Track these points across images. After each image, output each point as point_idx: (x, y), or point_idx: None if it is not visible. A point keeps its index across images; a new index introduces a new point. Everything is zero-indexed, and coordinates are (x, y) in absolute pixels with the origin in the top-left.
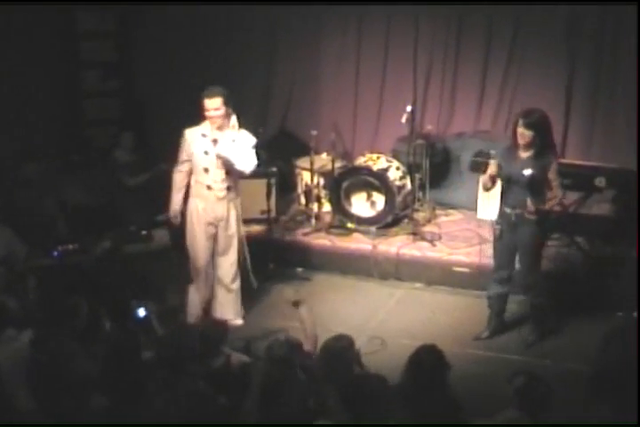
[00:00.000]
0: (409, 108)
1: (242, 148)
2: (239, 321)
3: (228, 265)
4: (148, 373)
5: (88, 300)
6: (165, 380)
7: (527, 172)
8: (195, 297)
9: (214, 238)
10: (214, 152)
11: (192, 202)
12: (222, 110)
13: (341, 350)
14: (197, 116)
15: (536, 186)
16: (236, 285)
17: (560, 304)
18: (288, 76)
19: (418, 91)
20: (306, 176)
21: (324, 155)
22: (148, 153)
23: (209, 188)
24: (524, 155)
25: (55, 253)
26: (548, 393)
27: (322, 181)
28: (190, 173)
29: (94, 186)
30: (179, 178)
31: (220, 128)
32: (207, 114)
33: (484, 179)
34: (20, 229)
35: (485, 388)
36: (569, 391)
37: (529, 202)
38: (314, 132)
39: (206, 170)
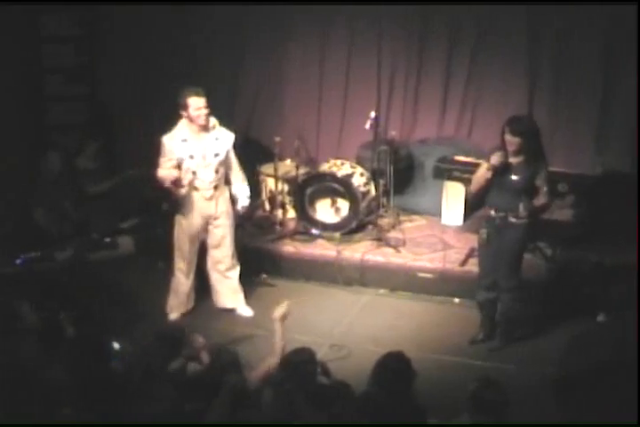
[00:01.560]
0: (373, 115)
1: (228, 151)
2: (244, 311)
3: (222, 257)
4: (115, 379)
5: (50, 308)
6: (136, 387)
7: (516, 177)
8: (178, 288)
9: (206, 232)
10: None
11: (183, 200)
12: (208, 109)
13: (302, 364)
14: (163, 121)
15: (524, 192)
16: (233, 274)
17: (528, 309)
18: (252, 84)
19: (381, 97)
20: (270, 183)
21: (288, 161)
22: (112, 160)
23: (196, 189)
24: (515, 160)
25: (19, 261)
26: (500, 399)
27: (286, 188)
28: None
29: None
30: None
31: (205, 128)
32: (197, 113)
33: (479, 171)
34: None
35: (448, 393)
36: (531, 396)
37: (521, 207)
38: (277, 139)
39: (194, 173)
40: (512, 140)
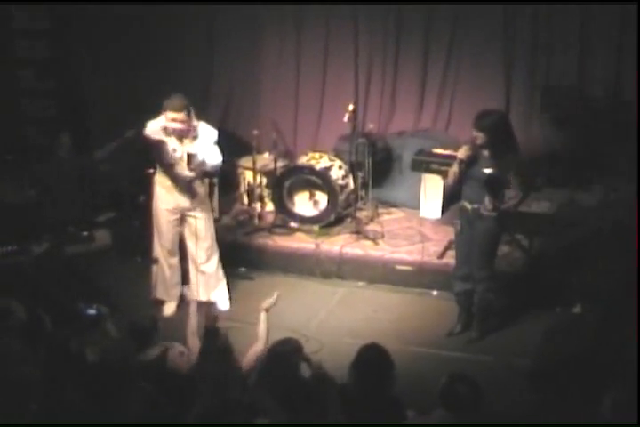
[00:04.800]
0: (351, 107)
1: (205, 145)
2: (221, 305)
3: (198, 250)
4: (92, 375)
5: (28, 302)
6: (112, 384)
7: (487, 170)
8: (160, 277)
9: (183, 224)
10: (182, 151)
11: (156, 189)
12: (187, 123)
13: (288, 354)
14: (137, 114)
15: (495, 185)
16: (209, 267)
17: (505, 301)
18: (228, 76)
19: (359, 89)
20: (248, 175)
21: (266, 154)
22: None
23: (173, 181)
24: (486, 153)
25: None
26: (472, 394)
27: (264, 181)
28: None
29: (31, 185)
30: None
31: (180, 138)
32: (170, 125)
33: (452, 168)
34: None
35: (426, 386)
36: (509, 387)
37: (487, 200)
38: (255, 132)
39: (171, 165)
40: (476, 135)
